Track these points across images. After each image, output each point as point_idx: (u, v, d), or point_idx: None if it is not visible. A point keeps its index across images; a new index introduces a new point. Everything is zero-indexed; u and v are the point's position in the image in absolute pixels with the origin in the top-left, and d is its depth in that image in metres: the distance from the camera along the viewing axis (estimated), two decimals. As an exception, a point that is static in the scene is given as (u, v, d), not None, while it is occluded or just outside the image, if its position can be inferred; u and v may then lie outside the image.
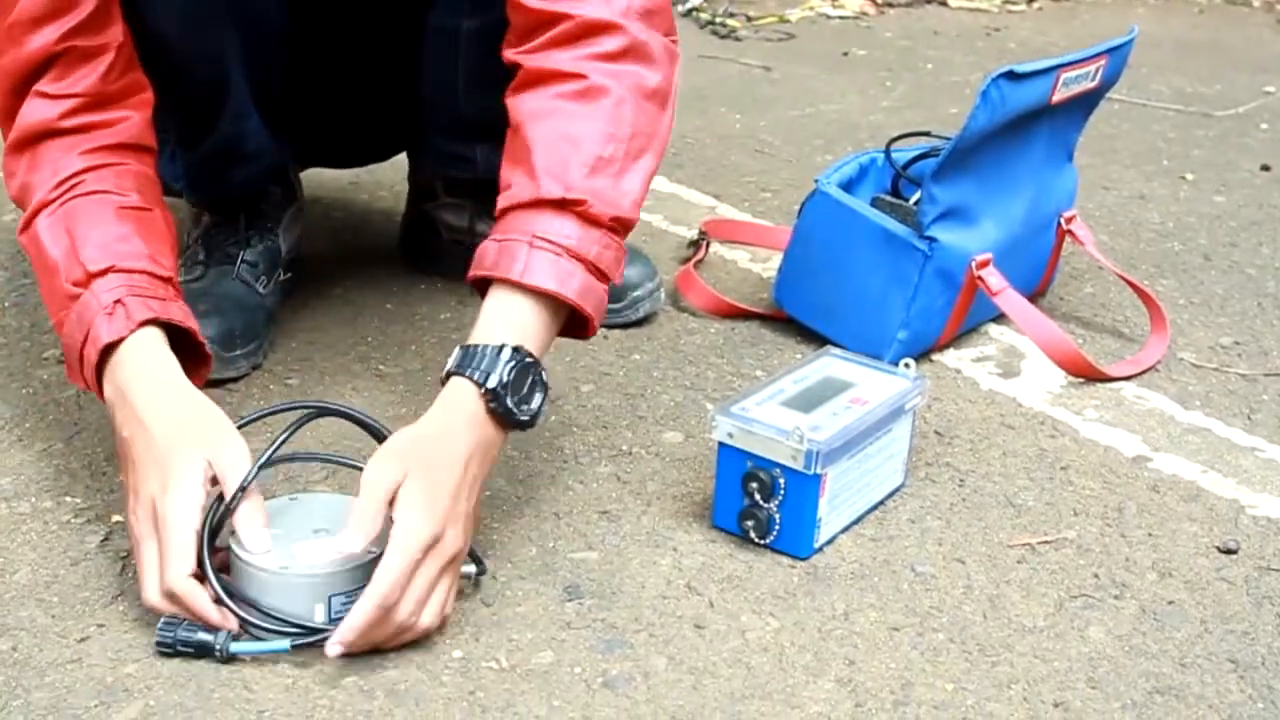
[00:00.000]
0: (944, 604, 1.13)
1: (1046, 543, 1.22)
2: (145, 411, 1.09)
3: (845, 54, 3.10)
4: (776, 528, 1.17)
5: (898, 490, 1.28)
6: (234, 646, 1.02)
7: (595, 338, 1.54)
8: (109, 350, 1.13)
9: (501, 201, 1.17)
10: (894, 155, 1.61)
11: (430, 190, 1.70)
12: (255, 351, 1.46)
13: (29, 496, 1.23)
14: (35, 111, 1.20)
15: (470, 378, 1.10)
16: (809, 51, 3.11)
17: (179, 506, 1.03)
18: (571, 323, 1.19)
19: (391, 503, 1.03)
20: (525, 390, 1.12)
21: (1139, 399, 1.48)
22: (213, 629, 1.02)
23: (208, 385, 1.39)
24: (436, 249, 1.71)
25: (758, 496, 1.16)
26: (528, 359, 1.12)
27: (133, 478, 1.08)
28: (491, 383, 1.09)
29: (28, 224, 1.20)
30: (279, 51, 1.44)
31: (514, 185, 1.16)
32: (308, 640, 1.02)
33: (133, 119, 1.24)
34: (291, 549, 1.05)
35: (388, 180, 2.02)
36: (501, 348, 1.10)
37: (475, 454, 1.09)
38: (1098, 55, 1.55)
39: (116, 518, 1.19)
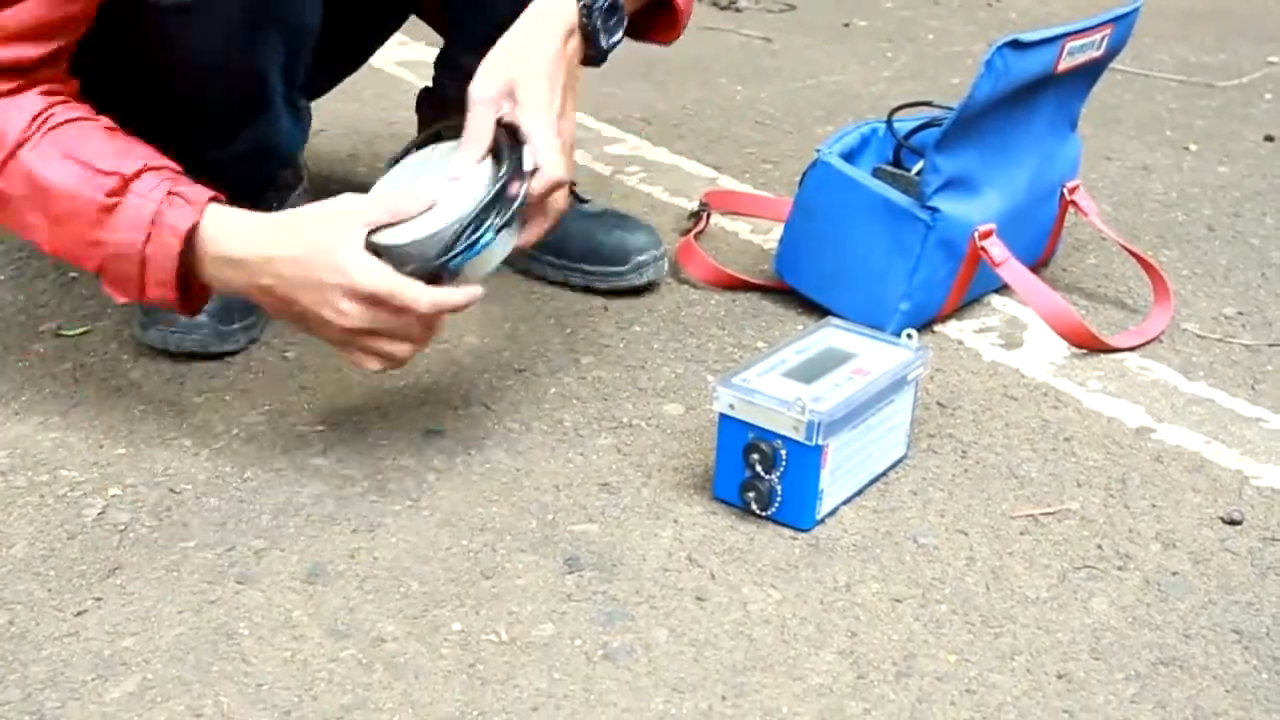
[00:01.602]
0: (946, 575, 1.12)
1: (1049, 514, 1.21)
2: (274, 248, 1.13)
3: (846, 25, 3.08)
4: (778, 499, 1.16)
5: (900, 461, 1.28)
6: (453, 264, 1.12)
7: (595, 310, 1.54)
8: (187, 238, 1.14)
9: None
10: (896, 125, 1.59)
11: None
12: (253, 326, 1.45)
13: (25, 470, 1.22)
14: None
15: None
16: (810, 23, 3.08)
17: (378, 273, 1.10)
18: (658, 25, 1.33)
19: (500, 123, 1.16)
20: (612, 23, 1.23)
21: (1142, 370, 1.47)
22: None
23: (203, 357, 1.39)
24: None
25: (759, 468, 1.16)
26: (620, 1, 1.24)
27: (307, 297, 1.12)
28: None
29: (4, 164, 1.16)
30: (310, 49, 1.43)
31: None
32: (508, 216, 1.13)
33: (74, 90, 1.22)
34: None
35: (388, 152, 2.00)
36: None
37: (566, 60, 1.20)
38: (1103, 24, 1.54)
39: (114, 491, 1.19)
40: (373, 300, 1.11)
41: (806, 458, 1.14)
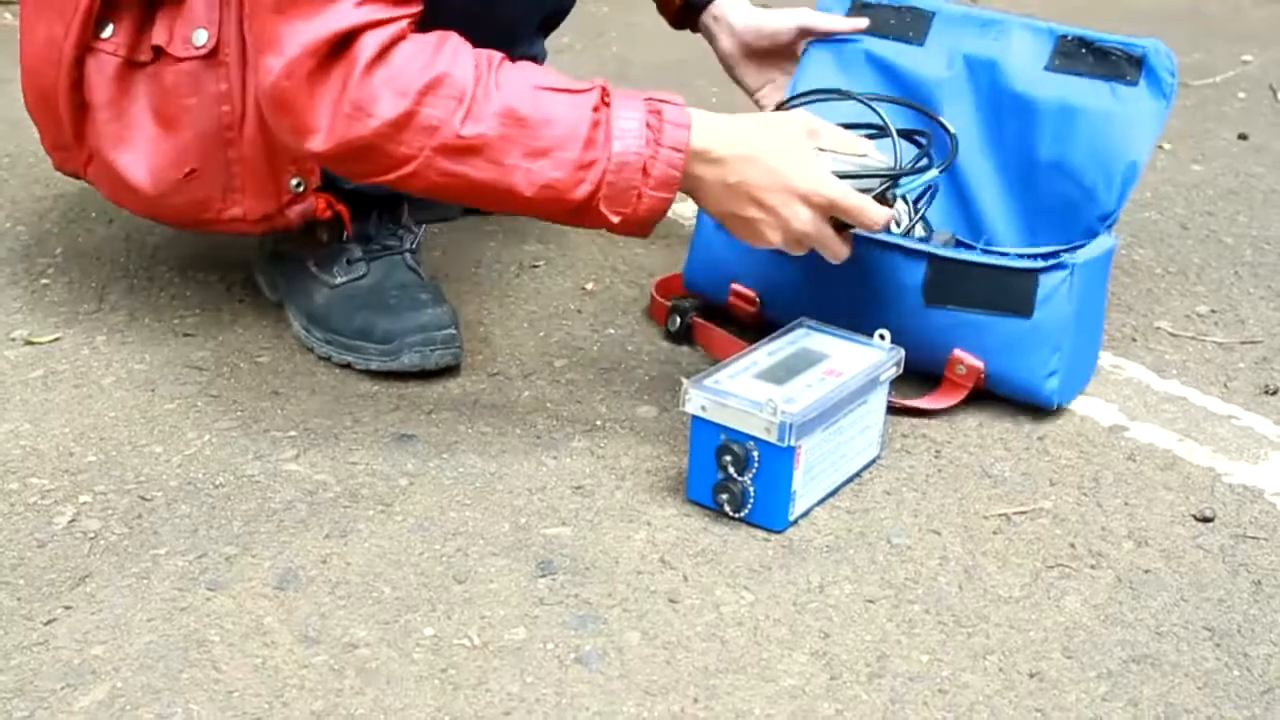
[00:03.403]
0: (920, 575, 1.12)
1: (1023, 513, 1.21)
2: (754, 149, 1.19)
3: (822, 26, 3.08)
4: (751, 501, 1.16)
5: (873, 462, 1.28)
6: (897, 191, 1.24)
7: (569, 313, 1.54)
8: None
9: None
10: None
11: None
12: None
13: (-5, 478, 1.21)
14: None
15: None
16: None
17: (841, 187, 1.20)
18: None
19: None
20: None
21: (1115, 368, 1.48)
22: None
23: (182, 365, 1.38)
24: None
25: (732, 470, 1.15)
26: None
27: (771, 198, 1.18)
28: None
29: (471, 110, 1.12)
30: None
31: None
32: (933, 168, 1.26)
33: None
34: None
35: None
36: None
37: None
38: None
39: (84, 498, 1.18)
40: (828, 208, 1.19)
41: (779, 459, 1.14)
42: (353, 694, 0.97)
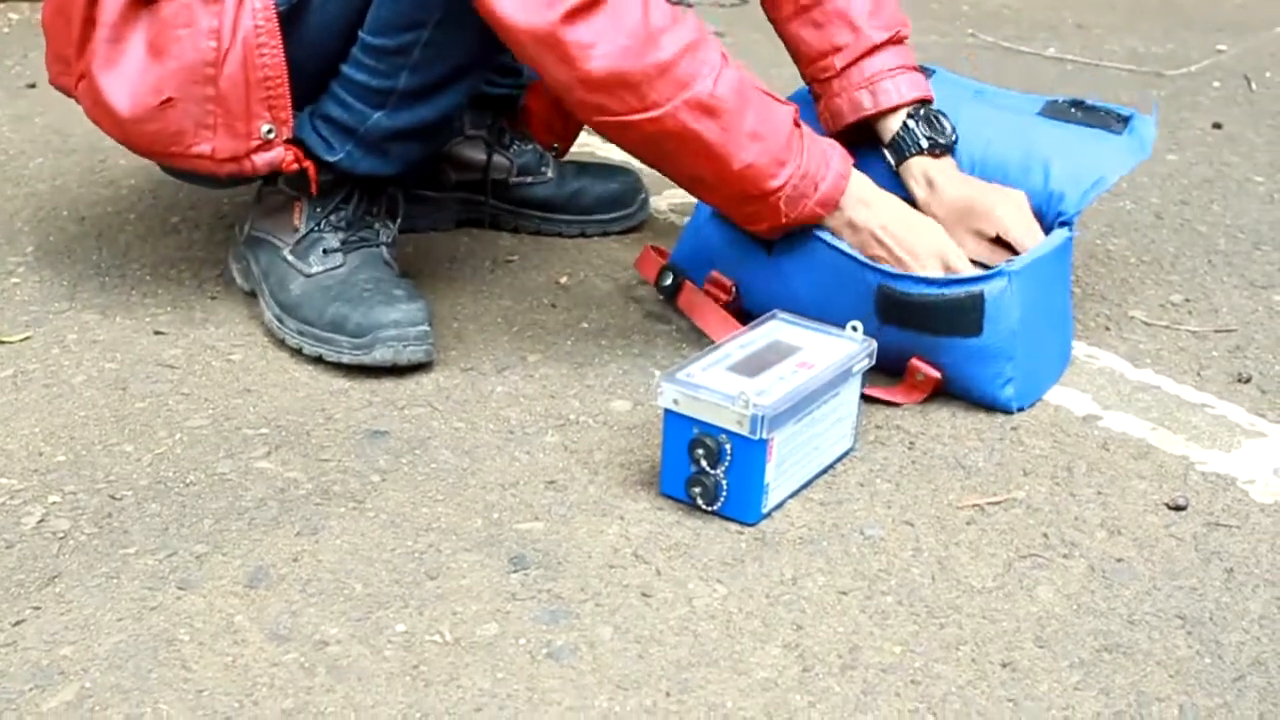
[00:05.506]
0: (892, 567, 1.12)
1: (996, 503, 1.21)
2: (898, 202, 1.39)
3: (799, 19, 3.07)
4: (724, 494, 1.16)
5: (847, 454, 1.27)
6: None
7: (543, 308, 1.54)
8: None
9: (842, 60, 1.47)
10: None
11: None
12: None
13: (-36, 479, 1.20)
14: None
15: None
16: (762, 17, 3.08)
17: (951, 243, 1.37)
18: None
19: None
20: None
21: (1089, 357, 1.48)
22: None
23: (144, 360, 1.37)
24: (433, 202, 1.72)
25: (704, 463, 1.15)
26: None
27: (911, 238, 1.35)
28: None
29: (720, 74, 1.28)
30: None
31: (845, 45, 1.46)
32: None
33: None
34: None
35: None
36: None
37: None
38: None
39: (54, 498, 1.17)
40: (941, 260, 1.36)
41: (751, 452, 1.14)
42: (323, 691, 0.97)
